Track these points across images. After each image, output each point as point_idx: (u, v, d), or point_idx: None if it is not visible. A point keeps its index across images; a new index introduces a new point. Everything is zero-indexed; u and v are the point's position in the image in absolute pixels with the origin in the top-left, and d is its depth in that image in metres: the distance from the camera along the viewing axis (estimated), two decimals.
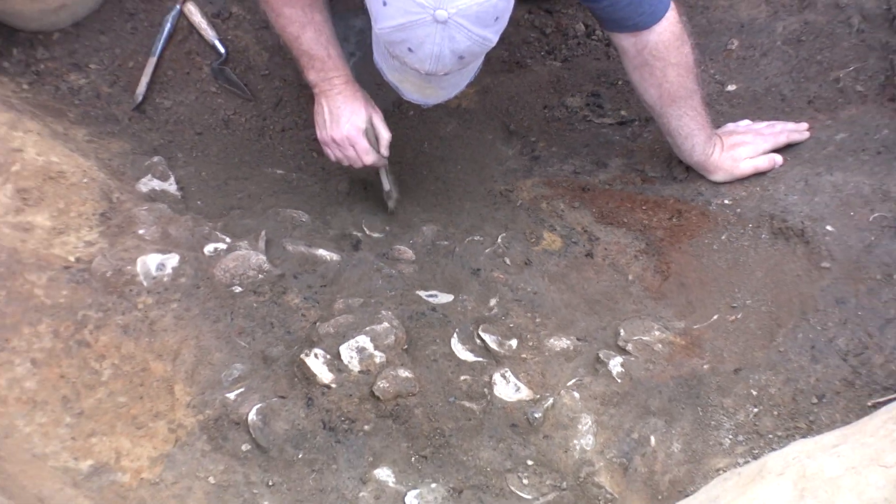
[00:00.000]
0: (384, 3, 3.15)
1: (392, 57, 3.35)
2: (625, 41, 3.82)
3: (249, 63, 4.54)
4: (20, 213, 3.72)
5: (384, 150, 3.88)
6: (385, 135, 3.89)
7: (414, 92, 3.49)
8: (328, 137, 3.86)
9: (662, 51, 3.79)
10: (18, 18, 4.52)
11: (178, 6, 4.45)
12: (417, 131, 4.29)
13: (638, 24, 3.73)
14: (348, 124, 3.79)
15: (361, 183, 4.35)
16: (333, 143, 3.87)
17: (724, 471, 3.09)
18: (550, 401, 3.56)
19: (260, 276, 3.73)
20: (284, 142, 4.43)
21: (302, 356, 3.55)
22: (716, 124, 4.05)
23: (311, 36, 3.75)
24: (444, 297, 3.81)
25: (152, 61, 4.41)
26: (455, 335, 3.70)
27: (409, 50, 3.19)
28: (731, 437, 3.43)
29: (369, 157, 3.86)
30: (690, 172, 4.10)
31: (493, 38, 3.27)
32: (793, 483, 2.41)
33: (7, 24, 4.52)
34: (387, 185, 4.14)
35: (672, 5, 3.75)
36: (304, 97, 4.54)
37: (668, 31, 3.76)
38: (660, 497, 3.37)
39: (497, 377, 3.61)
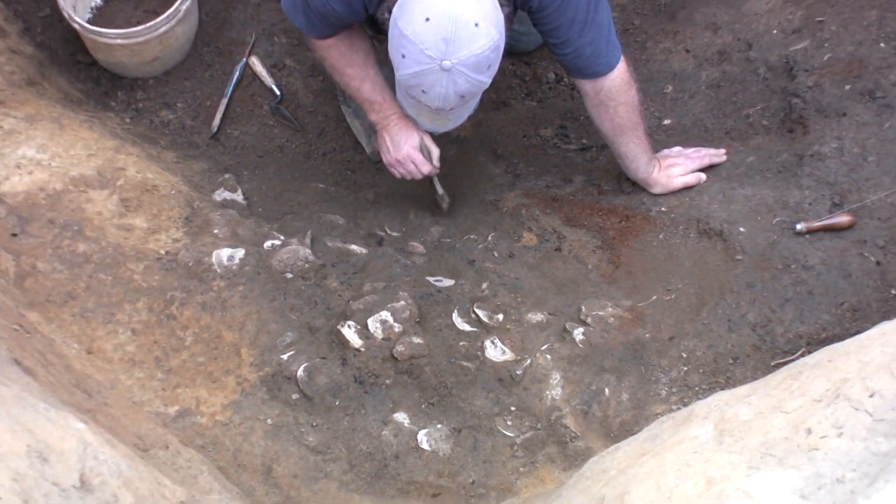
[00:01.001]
0: (402, 56, 3.17)
1: (410, 97, 3.37)
2: (585, 85, 3.83)
3: (299, 102, 4.53)
4: (123, 217, 3.72)
5: (436, 162, 3.93)
6: (435, 151, 3.93)
7: (428, 123, 3.56)
8: (392, 160, 3.91)
9: (614, 93, 3.80)
10: (122, 68, 4.51)
11: (244, 59, 4.47)
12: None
13: (596, 72, 3.75)
14: (406, 145, 3.84)
15: (384, 194, 4.35)
16: (397, 163, 3.92)
17: (662, 415, 3.09)
18: (528, 361, 3.58)
19: (306, 265, 3.73)
20: (325, 163, 4.43)
21: (338, 327, 3.57)
22: (655, 150, 4.06)
23: (368, 87, 3.79)
24: (447, 282, 3.82)
25: (224, 101, 4.42)
26: (455, 311, 3.72)
27: (423, 91, 3.23)
28: (666, 389, 3.46)
29: (425, 168, 3.91)
30: (636, 187, 4.10)
31: (486, 81, 3.31)
32: (714, 425, 2.39)
33: (114, 72, 4.52)
34: (440, 189, 4.20)
35: (622, 57, 3.78)
36: (340, 128, 4.53)
37: (619, 77, 3.78)
38: (612, 435, 3.39)
39: (487, 343, 3.63)
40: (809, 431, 2.09)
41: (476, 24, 3.13)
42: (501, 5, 3.29)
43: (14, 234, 3.53)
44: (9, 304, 3.25)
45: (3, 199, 3.63)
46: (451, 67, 3.15)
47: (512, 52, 4.60)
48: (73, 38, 4.51)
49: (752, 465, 2.06)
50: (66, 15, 4.26)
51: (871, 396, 2.07)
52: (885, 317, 2.56)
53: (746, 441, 2.21)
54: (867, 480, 1.84)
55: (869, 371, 2.17)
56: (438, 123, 3.55)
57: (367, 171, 4.46)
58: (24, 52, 4.38)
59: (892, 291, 3.45)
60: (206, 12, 4.68)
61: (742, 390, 2.59)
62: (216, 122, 4.42)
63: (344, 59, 3.77)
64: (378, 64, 3.86)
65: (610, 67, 3.77)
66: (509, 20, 3.35)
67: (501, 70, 4.50)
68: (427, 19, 3.11)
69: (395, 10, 3.22)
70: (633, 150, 3.98)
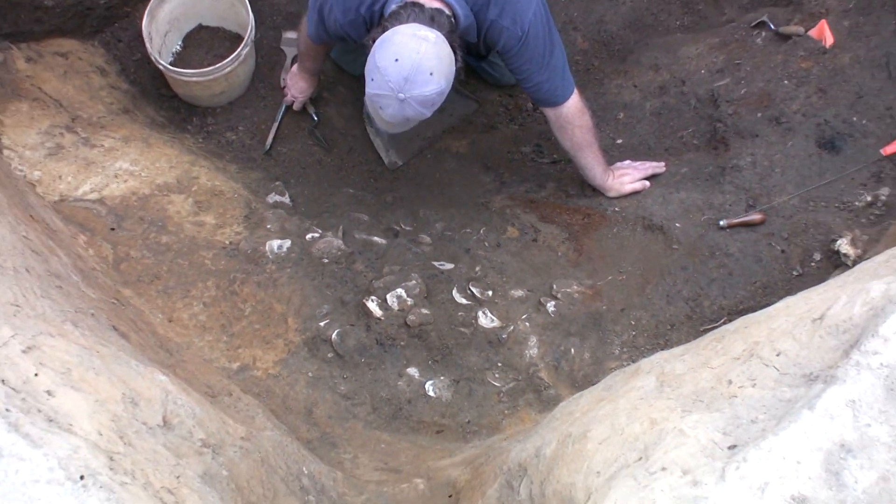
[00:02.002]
0: (371, 79, 3.24)
1: (370, 108, 3.42)
2: (548, 112, 3.85)
3: (333, 126, 4.52)
4: (196, 216, 3.73)
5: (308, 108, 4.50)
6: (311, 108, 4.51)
7: (382, 125, 3.57)
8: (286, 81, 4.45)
9: (571, 118, 3.81)
10: (196, 100, 4.51)
11: None
12: (431, 168, 4.30)
13: (554, 102, 3.77)
14: (292, 82, 4.40)
15: (400, 197, 4.36)
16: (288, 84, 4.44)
17: (615, 370, 3.07)
18: (511, 328, 3.59)
19: (338, 252, 3.73)
20: (354, 173, 4.42)
21: (364, 300, 3.59)
22: (610, 162, 4.05)
23: (307, 62, 4.27)
24: (448, 266, 3.80)
25: (275, 125, 4.42)
26: (455, 288, 3.72)
27: (380, 108, 3.29)
28: (619, 349, 3.50)
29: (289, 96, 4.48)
30: (595, 191, 4.08)
31: (429, 114, 3.35)
32: (656, 377, 2.38)
33: (190, 103, 4.52)
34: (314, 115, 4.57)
35: (575, 90, 3.79)
36: (365, 146, 4.55)
37: (573, 106, 3.78)
38: (576, 385, 3.43)
39: (480, 313, 3.63)
40: (730, 383, 2.08)
41: (430, 74, 3.20)
42: (456, 60, 3.34)
43: (112, 229, 3.55)
44: (108, 283, 3.25)
45: (104, 202, 3.64)
46: (405, 99, 3.21)
47: (498, 85, 4.64)
48: (158, 77, 4.51)
49: (686, 409, 2.06)
50: (153, 59, 4.25)
51: (777, 355, 2.07)
52: (789, 292, 2.55)
53: (681, 390, 2.20)
54: (774, 421, 1.84)
55: (776, 335, 2.16)
56: (388, 127, 3.57)
57: (386, 179, 4.46)
58: (121, 88, 4.38)
59: (794, 272, 3.48)
60: (261, 56, 4.68)
61: (677, 350, 2.58)
62: (269, 141, 4.41)
63: (310, 52, 4.19)
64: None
65: (565, 98, 3.76)
66: (459, 72, 3.39)
67: (492, 101, 4.64)
68: (396, 60, 3.17)
69: (376, 42, 3.26)
70: (590, 162, 3.97)
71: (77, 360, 2.16)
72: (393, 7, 3.32)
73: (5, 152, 3.63)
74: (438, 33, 3.25)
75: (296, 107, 4.50)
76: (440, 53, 3.24)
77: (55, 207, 3.49)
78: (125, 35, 4.53)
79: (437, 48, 3.23)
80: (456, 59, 3.34)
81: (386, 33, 3.25)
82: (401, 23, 3.25)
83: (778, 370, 2.02)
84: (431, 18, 3.26)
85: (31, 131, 3.77)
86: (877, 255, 2.51)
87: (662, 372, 2.39)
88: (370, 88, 3.28)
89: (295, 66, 4.38)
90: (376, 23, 3.45)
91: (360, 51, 3.48)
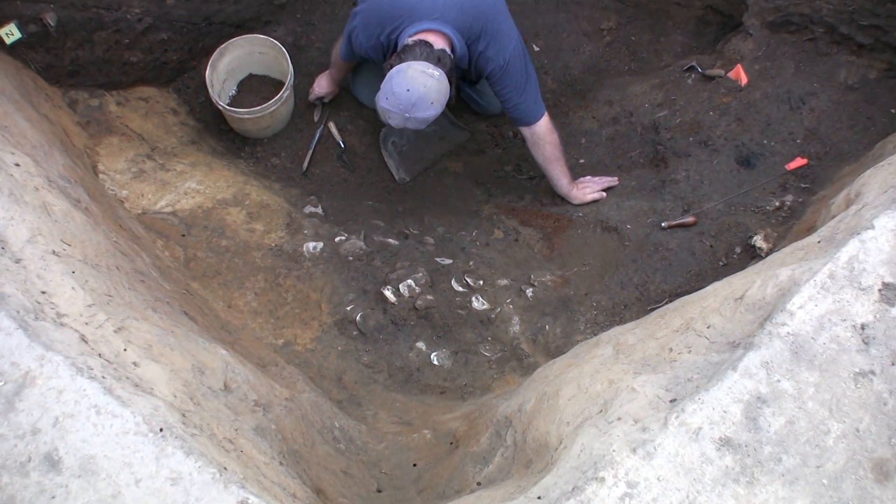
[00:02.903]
0: (386, 98, 3.36)
1: (379, 112, 3.49)
2: (524, 130, 3.87)
3: (356, 151, 4.49)
4: (248, 224, 3.72)
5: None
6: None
7: (385, 121, 3.56)
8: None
9: (542, 135, 3.82)
10: (248, 133, 4.50)
11: (323, 125, 4.46)
12: (433, 183, 4.29)
13: (528, 121, 3.79)
14: (317, 81, 4.34)
15: (409, 207, 4.33)
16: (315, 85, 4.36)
17: (581, 342, 3.07)
18: (499, 309, 3.58)
19: (361, 252, 3.72)
20: (372, 189, 4.40)
21: (381, 289, 3.58)
22: (574, 177, 4.04)
23: (332, 71, 4.26)
24: (448, 261, 3.78)
25: (310, 152, 4.38)
26: (453, 279, 3.70)
27: (388, 118, 3.39)
28: (584, 325, 3.48)
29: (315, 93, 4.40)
30: (563, 200, 4.07)
31: (423, 127, 3.53)
32: (613, 347, 2.39)
33: (243, 135, 4.51)
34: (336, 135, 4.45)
35: (546, 113, 3.83)
36: (381, 167, 4.53)
37: (544, 125, 3.81)
38: (550, 354, 3.42)
39: (473, 298, 3.61)
40: (671, 350, 2.09)
41: (431, 103, 3.34)
42: (450, 90, 3.44)
43: (183, 235, 3.55)
44: (180, 277, 3.26)
45: (176, 214, 3.65)
46: (409, 118, 3.36)
47: (485, 114, 4.63)
48: (218, 115, 4.50)
49: (637, 371, 2.07)
50: (214, 101, 4.26)
51: (708, 328, 2.09)
52: (717, 278, 2.55)
53: (633, 357, 2.21)
54: (706, 380, 1.85)
55: (707, 312, 2.18)
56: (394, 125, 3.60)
57: (398, 193, 4.44)
58: (189, 124, 4.39)
59: (721, 263, 3.50)
60: (299, 98, 4.67)
61: (630, 325, 2.59)
62: (305, 164, 4.38)
63: (337, 65, 4.20)
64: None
65: (538, 118, 3.79)
66: (451, 99, 3.48)
67: (480, 130, 4.61)
68: (408, 90, 3.29)
69: (393, 70, 3.35)
70: (559, 174, 3.97)
71: (157, 339, 2.17)
72: (407, 41, 3.40)
73: (101, 176, 3.65)
74: (441, 72, 3.33)
75: (311, 98, 4.51)
76: (440, 88, 3.34)
77: (139, 219, 3.50)
78: (192, 83, 4.54)
79: (438, 84, 3.32)
80: (450, 90, 3.43)
81: (402, 65, 3.33)
82: (414, 58, 3.33)
83: (708, 339, 2.04)
84: (438, 59, 3.34)
85: (119, 159, 3.80)
86: (784, 248, 2.52)
87: (618, 343, 2.40)
88: (384, 104, 3.38)
89: (325, 72, 4.39)
90: (392, 49, 3.55)
91: (375, 82, 3.52)
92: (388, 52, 3.59)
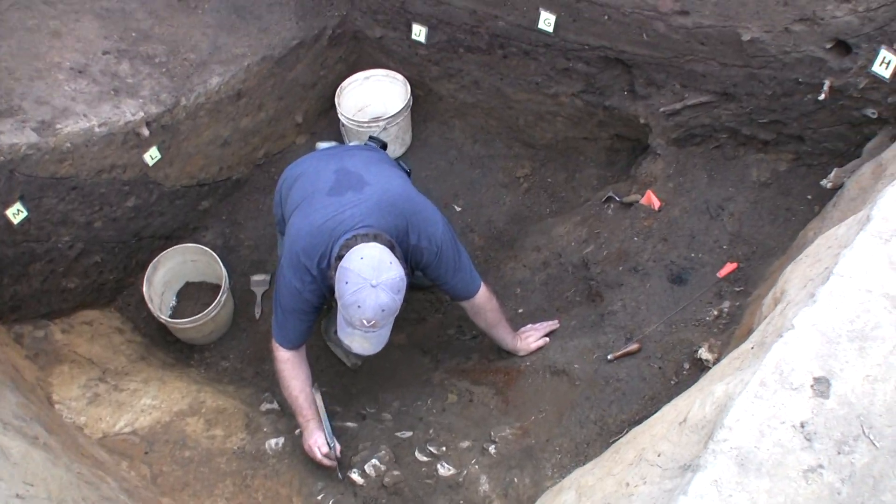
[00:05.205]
0: (346, 283, 3.18)
1: (347, 325, 3.29)
2: (464, 303, 3.86)
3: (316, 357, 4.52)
4: (208, 431, 3.76)
5: (336, 452, 3.63)
6: (337, 444, 3.69)
7: (359, 347, 3.36)
8: (306, 446, 3.67)
9: (482, 305, 3.84)
10: (194, 340, 4.59)
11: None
12: (382, 360, 4.28)
13: (467, 296, 3.80)
14: (310, 440, 3.63)
15: (361, 388, 4.36)
16: (308, 448, 3.66)
17: (550, 487, 3.10)
18: (465, 472, 3.56)
19: (322, 440, 3.70)
20: (324, 376, 4.44)
21: (349, 474, 3.61)
22: (515, 328, 4.06)
23: (303, 398, 3.68)
24: (408, 433, 3.79)
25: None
26: (416, 450, 3.69)
27: (359, 307, 3.17)
28: (550, 471, 3.44)
29: (323, 460, 3.62)
30: (509, 354, 4.09)
31: (398, 299, 3.27)
32: (575, 490, 2.44)
33: (190, 343, 4.57)
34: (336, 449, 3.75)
35: (482, 283, 3.81)
36: (331, 359, 4.57)
37: (482, 296, 3.81)
38: None
39: (439, 466, 3.60)
40: (628, 485, 2.15)
41: (390, 263, 3.21)
42: (404, 268, 3.32)
43: (146, 452, 3.58)
44: (149, 496, 3.28)
45: (136, 433, 3.68)
46: (378, 285, 3.15)
47: (421, 288, 4.64)
48: (163, 327, 4.57)
49: None
50: (156, 315, 4.34)
51: (659, 456, 2.14)
52: (670, 398, 2.62)
53: (594, 498, 2.27)
54: None
55: (656, 440, 2.24)
56: (366, 346, 3.38)
57: (348, 375, 4.47)
58: (136, 341, 4.44)
59: (672, 382, 3.50)
60: (237, 298, 4.76)
61: (589, 465, 2.65)
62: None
63: (292, 374, 3.69)
64: (311, 384, 3.79)
65: (475, 291, 3.79)
66: (407, 274, 3.35)
67: (418, 299, 4.62)
68: (361, 258, 3.17)
69: (342, 261, 3.23)
70: (502, 333, 3.98)
71: None
72: (341, 243, 3.31)
73: (56, 406, 3.68)
74: (384, 245, 3.28)
75: (326, 463, 3.76)
76: (391, 251, 3.28)
77: (100, 443, 3.52)
78: (132, 300, 4.62)
79: (387, 250, 3.26)
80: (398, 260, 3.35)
81: (345, 252, 3.25)
82: (355, 244, 3.26)
83: (661, 468, 2.09)
84: (375, 236, 3.30)
85: (73, 386, 3.83)
86: (723, 359, 2.59)
87: (579, 485, 2.46)
88: (346, 293, 3.20)
89: (303, 436, 3.85)
90: (328, 268, 3.40)
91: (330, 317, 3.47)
92: (327, 281, 3.44)
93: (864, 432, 1.89)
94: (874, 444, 1.87)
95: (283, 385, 3.72)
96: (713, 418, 2.04)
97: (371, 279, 3.16)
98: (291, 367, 3.69)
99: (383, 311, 3.22)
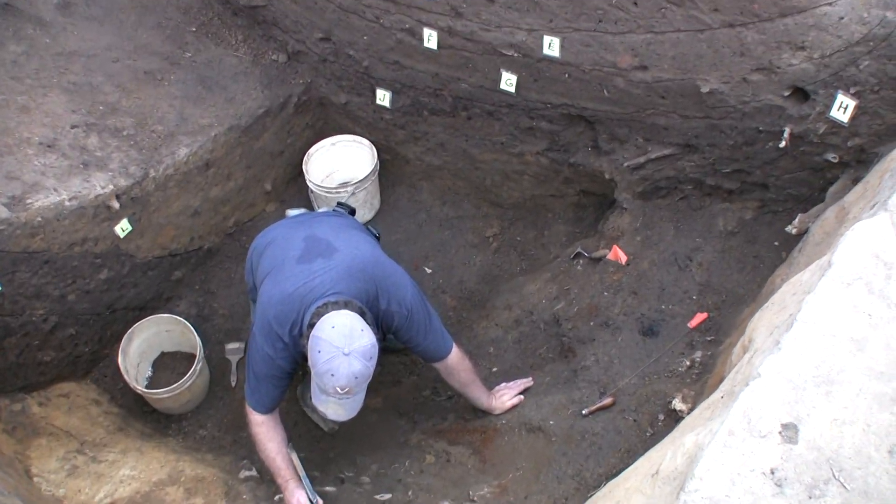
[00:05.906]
0: (319, 351, 3.18)
1: (322, 392, 3.29)
2: (437, 365, 3.88)
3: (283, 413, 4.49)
4: (188, 500, 3.75)
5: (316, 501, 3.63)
6: (320, 501, 3.68)
7: (334, 414, 3.37)
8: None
9: (454, 366, 3.85)
10: (171, 410, 4.58)
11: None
12: (358, 423, 4.08)
13: (439, 358, 3.82)
14: (293, 500, 3.59)
15: (339, 452, 4.34)
16: None
17: None
18: None
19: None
20: (301, 441, 4.43)
21: None
22: (489, 387, 4.08)
23: (280, 459, 3.67)
24: (387, 496, 3.77)
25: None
26: None
27: (332, 375, 3.17)
28: None
29: None
30: (485, 413, 4.09)
31: (371, 366, 3.27)
32: None
33: (167, 413, 4.56)
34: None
35: (454, 344, 3.84)
36: (307, 424, 4.55)
37: (455, 357, 3.83)
38: None
39: None
40: None
41: (362, 330, 3.22)
42: (375, 333, 3.32)
43: None
44: None
45: (117, 503, 3.65)
46: (350, 353, 3.16)
47: (394, 350, 4.63)
48: (139, 398, 4.55)
49: None
50: (132, 386, 4.34)
51: None
52: (646, 450, 2.64)
53: None
54: None
55: (630, 493, 2.27)
56: (341, 412, 3.37)
57: (327, 441, 4.45)
58: (113, 412, 4.43)
59: (647, 433, 3.49)
60: (213, 366, 4.76)
61: None
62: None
63: (268, 436, 3.67)
64: (286, 445, 3.78)
65: (447, 352, 3.81)
66: (378, 340, 3.36)
67: (392, 361, 4.62)
68: (333, 327, 3.18)
69: (313, 329, 3.24)
70: (476, 393, 4.00)
71: None
72: (312, 311, 3.33)
73: (35, 479, 3.66)
74: (355, 312, 3.29)
75: None
76: (363, 317, 3.30)
77: None
78: (108, 371, 4.61)
79: (358, 317, 3.28)
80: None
81: (316, 320, 3.27)
82: (326, 312, 3.27)
83: None
84: (346, 304, 3.32)
85: (51, 459, 3.81)
86: (694, 410, 2.62)
87: None
88: (319, 362, 3.20)
89: (285, 497, 3.82)
90: (300, 336, 3.41)
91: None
92: (299, 348, 3.45)
93: (834, 475, 1.91)
94: (844, 487, 1.89)
95: (260, 448, 3.71)
96: (684, 469, 2.06)
97: (343, 347, 3.17)
98: (267, 430, 3.69)
99: (356, 378, 3.23)
